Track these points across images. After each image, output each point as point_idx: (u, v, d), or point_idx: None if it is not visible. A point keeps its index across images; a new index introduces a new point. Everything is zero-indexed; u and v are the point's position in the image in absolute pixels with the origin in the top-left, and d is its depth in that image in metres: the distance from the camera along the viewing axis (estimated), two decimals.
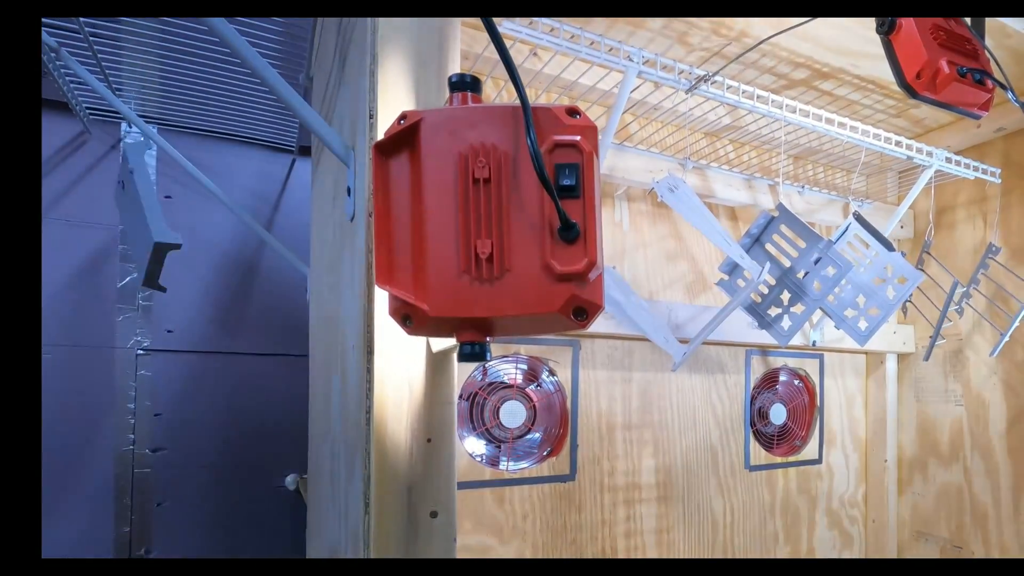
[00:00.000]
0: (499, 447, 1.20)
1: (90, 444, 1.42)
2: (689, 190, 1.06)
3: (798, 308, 1.17)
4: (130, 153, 1.09)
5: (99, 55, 1.19)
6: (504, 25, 0.85)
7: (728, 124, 1.31)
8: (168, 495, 1.49)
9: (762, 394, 1.50)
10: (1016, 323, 1.34)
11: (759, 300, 1.23)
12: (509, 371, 1.21)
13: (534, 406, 1.22)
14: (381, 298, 0.57)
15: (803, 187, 1.43)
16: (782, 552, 1.51)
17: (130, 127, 1.45)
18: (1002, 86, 0.84)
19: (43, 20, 1.07)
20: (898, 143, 1.23)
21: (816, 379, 1.57)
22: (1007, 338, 1.36)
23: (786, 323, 1.19)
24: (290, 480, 1.58)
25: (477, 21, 0.85)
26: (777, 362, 1.52)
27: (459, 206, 0.45)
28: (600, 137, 0.89)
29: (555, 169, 0.44)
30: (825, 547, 1.58)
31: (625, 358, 1.31)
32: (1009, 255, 1.40)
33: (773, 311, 1.21)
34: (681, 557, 1.36)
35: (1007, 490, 1.41)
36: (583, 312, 0.45)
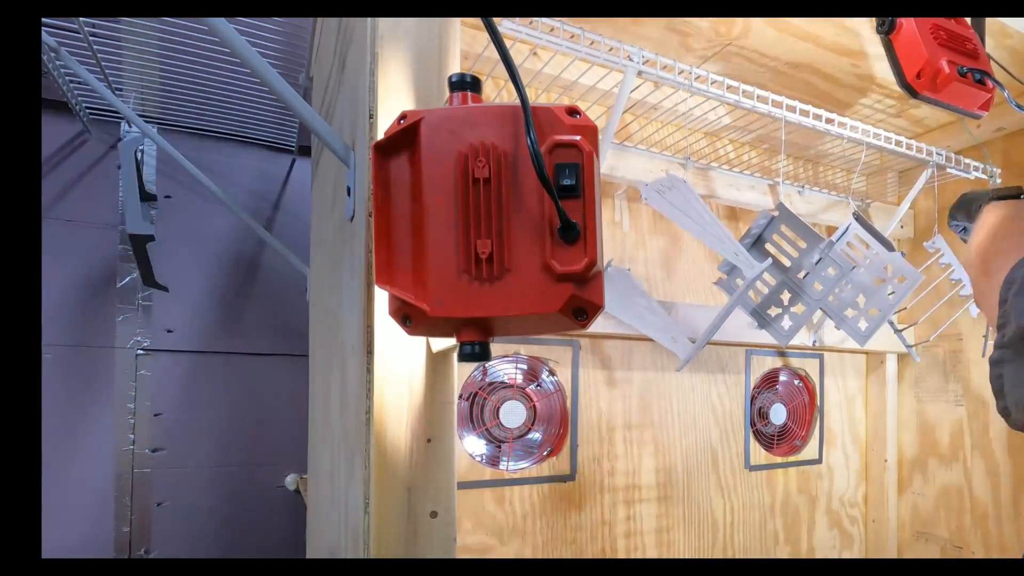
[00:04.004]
0: (499, 447, 1.20)
1: (90, 444, 1.42)
2: (688, 190, 1.05)
3: (798, 308, 1.17)
4: (121, 150, 1.09)
5: (99, 55, 1.19)
6: (504, 25, 0.85)
7: (728, 124, 1.31)
8: (168, 495, 1.49)
9: (762, 394, 1.50)
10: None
11: (759, 300, 1.22)
12: (509, 371, 1.21)
13: (534, 406, 1.23)
14: (381, 298, 0.57)
15: (803, 187, 1.43)
16: (782, 552, 1.51)
17: (130, 127, 1.45)
18: (1003, 87, 0.85)
19: (43, 20, 1.07)
20: (898, 143, 1.23)
21: (816, 379, 1.57)
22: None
23: (786, 323, 1.19)
24: (290, 480, 1.58)
25: (477, 21, 0.85)
26: (777, 362, 1.52)
27: (459, 206, 0.45)
28: (600, 137, 0.90)
29: (555, 169, 0.44)
30: (825, 547, 1.58)
31: (625, 358, 1.31)
32: None
33: (773, 311, 1.21)
34: (681, 557, 1.36)
35: (1007, 490, 1.41)
36: (583, 312, 0.45)
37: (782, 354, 1.52)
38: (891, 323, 1.40)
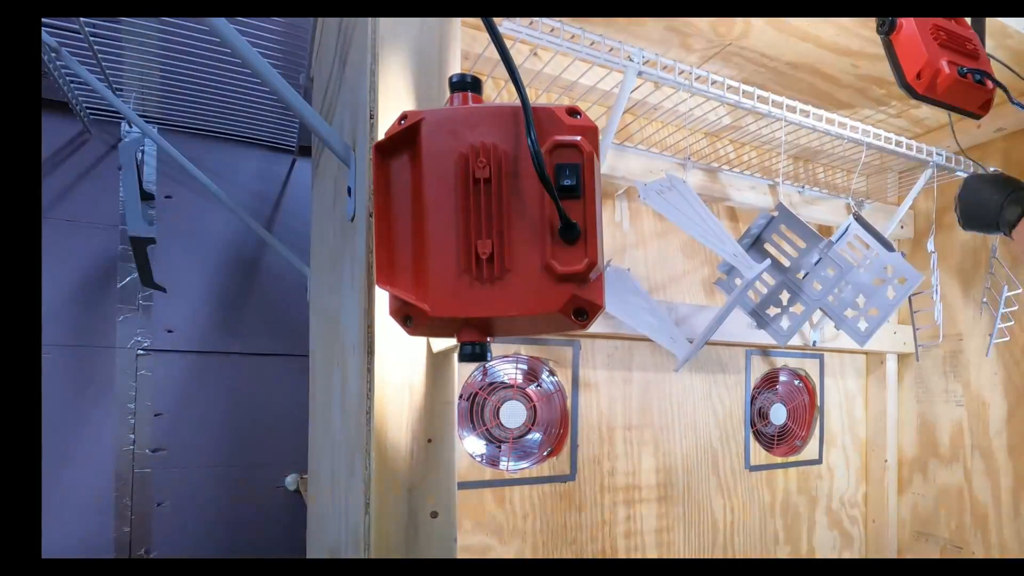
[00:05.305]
0: (499, 447, 1.20)
1: (90, 444, 1.42)
2: (688, 190, 1.05)
3: (797, 308, 1.17)
4: (121, 151, 1.09)
5: (99, 55, 1.19)
6: (504, 25, 0.85)
7: (728, 124, 1.31)
8: (168, 495, 1.49)
9: (762, 394, 1.50)
10: (998, 321, 1.33)
11: (758, 300, 1.23)
12: (509, 371, 1.21)
13: (534, 406, 1.22)
14: (381, 298, 0.57)
15: (803, 187, 1.43)
16: (782, 552, 1.51)
17: (130, 127, 1.45)
18: (1003, 87, 0.85)
19: (43, 20, 1.07)
20: (898, 143, 1.23)
21: (816, 379, 1.57)
22: (994, 339, 1.35)
23: (785, 323, 1.19)
24: (290, 480, 1.58)
25: (477, 21, 0.85)
26: (777, 362, 1.52)
27: (460, 206, 0.45)
28: (600, 137, 0.90)
29: (556, 169, 0.44)
30: (825, 547, 1.58)
31: (625, 358, 1.31)
32: (1008, 255, 1.40)
33: (772, 311, 1.21)
34: (681, 557, 1.36)
35: (1007, 490, 1.41)
36: (584, 312, 0.45)
37: (782, 354, 1.52)
38: (912, 319, 1.41)
